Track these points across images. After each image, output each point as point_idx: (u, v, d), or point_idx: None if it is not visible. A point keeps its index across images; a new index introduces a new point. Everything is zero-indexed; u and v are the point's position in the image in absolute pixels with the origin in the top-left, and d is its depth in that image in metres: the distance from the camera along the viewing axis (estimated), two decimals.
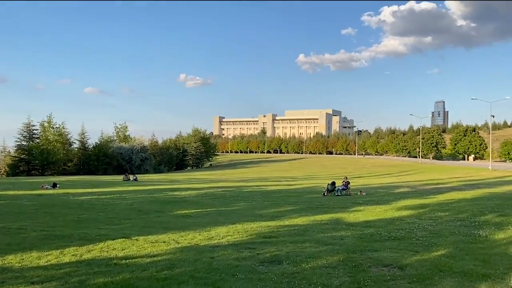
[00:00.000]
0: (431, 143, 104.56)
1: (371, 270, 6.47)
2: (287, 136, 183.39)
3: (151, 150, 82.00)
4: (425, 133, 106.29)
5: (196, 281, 5.92)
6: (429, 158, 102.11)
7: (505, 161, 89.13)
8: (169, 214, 14.66)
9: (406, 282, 5.83)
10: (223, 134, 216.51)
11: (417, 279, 5.91)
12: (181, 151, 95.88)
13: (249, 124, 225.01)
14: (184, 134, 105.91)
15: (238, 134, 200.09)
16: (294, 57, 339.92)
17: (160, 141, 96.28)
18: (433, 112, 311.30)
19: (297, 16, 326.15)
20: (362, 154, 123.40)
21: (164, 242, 9.12)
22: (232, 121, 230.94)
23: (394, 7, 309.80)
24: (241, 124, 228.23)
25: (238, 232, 10.25)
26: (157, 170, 78.39)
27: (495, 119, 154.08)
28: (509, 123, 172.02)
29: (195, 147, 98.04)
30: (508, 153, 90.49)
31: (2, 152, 71.25)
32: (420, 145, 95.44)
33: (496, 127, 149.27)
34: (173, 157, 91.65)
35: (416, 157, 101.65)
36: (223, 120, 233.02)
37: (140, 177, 43.66)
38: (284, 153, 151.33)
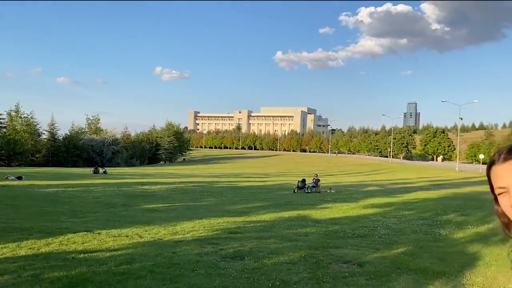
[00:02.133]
0: (402, 143, 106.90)
1: (331, 266, 6.53)
2: (262, 132, 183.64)
3: (123, 143, 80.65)
4: (397, 133, 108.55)
5: (154, 276, 5.83)
6: (400, 158, 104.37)
7: (471, 162, 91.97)
8: (136, 208, 14.43)
9: (364, 278, 5.91)
10: (198, 129, 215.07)
11: (375, 276, 6.00)
12: (154, 145, 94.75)
13: (224, 119, 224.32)
14: (158, 128, 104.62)
15: (213, 130, 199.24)
16: (271, 54, 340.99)
17: (133, 134, 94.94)
18: (405, 113, 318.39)
19: (275, 14, 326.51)
20: (335, 153, 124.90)
21: (127, 236, 8.96)
22: (207, 116, 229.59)
23: (371, 8, 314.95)
24: (216, 119, 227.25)
25: (204, 227, 10.19)
26: (128, 164, 77.18)
27: (464, 121, 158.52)
28: (477, 126, 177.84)
29: (168, 142, 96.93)
30: (475, 155, 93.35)
31: None
32: (391, 145, 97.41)
33: (464, 129, 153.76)
34: (146, 151, 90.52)
35: (387, 156, 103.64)
36: (198, 114, 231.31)
37: (111, 170, 42.90)
38: (258, 149, 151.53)
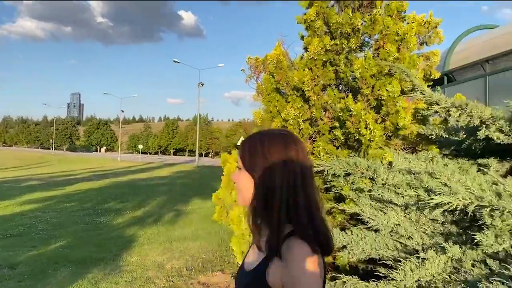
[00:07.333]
0: (65, 135, 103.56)
1: None
2: None
3: None
4: (60, 124, 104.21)
5: None
6: (63, 149, 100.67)
7: (132, 152, 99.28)
8: None
9: (16, 281, 5.45)
10: None
11: (29, 276, 5.64)
12: None
13: None
14: None
15: None
16: None
17: None
18: (68, 104, 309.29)
19: None
20: None
21: None
22: None
23: None
24: None
25: None
26: None
27: (125, 114, 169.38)
28: (137, 119, 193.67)
29: None
30: (135, 145, 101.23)
31: None
32: (54, 137, 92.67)
33: (126, 121, 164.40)
34: None
35: (49, 148, 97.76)
36: None
37: None
38: None
